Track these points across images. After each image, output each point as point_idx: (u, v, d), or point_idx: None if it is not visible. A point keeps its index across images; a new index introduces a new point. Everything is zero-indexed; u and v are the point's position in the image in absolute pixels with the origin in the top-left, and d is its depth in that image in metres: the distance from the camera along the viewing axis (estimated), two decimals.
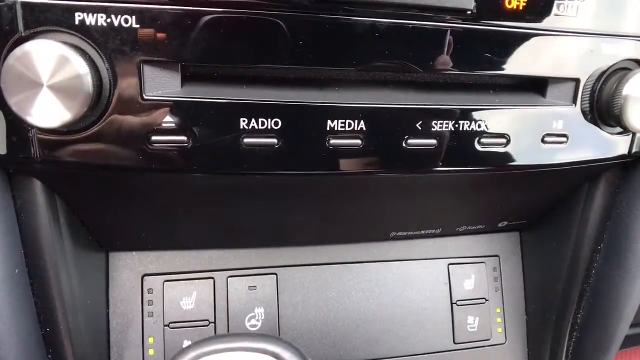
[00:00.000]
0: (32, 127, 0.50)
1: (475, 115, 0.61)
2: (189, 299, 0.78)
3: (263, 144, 0.55)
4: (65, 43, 0.47)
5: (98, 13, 0.48)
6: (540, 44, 0.60)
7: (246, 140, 0.54)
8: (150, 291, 0.78)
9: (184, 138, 0.53)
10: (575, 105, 0.65)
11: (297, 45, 0.53)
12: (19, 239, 0.59)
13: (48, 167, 0.53)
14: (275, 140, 0.55)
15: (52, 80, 0.46)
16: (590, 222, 0.80)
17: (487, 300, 0.92)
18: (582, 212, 0.81)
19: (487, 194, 0.78)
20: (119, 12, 0.49)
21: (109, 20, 0.49)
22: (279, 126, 0.55)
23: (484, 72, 0.61)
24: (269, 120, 0.54)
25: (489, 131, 0.62)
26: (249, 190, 0.65)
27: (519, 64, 0.60)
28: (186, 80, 0.53)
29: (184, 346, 0.76)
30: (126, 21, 0.49)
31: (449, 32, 0.57)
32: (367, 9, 0.54)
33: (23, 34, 0.48)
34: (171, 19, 0.50)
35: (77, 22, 0.48)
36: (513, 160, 0.64)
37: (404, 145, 0.59)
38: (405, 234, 0.84)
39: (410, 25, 0.55)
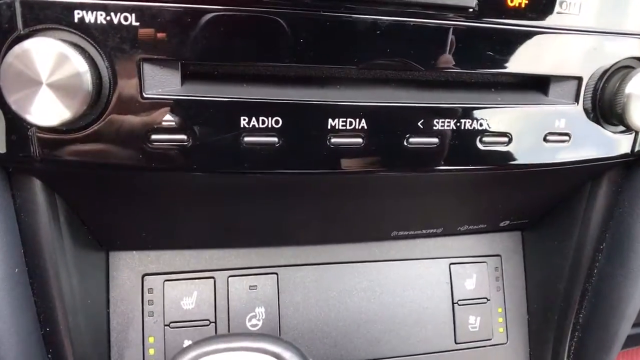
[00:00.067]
0: (31, 125, 0.50)
1: (477, 113, 0.60)
2: (189, 298, 0.78)
3: (263, 143, 0.55)
4: (64, 41, 0.47)
5: (97, 10, 0.48)
6: (542, 42, 0.60)
7: (246, 139, 0.54)
8: (150, 290, 0.78)
9: (183, 136, 0.53)
10: (578, 103, 0.64)
11: (298, 43, 0.53)
12: (19, 237, 0.59)
13: (47, 165, 0.53)
14: (275, 139, 0.55)
15: (51, 78, 0.46)
16: (593, 221, 0.80)
17: (488, 300, 0.92)
18: (584, 211, 0.81)
19: (489, 193, 0.78)
20: (118, 9, 0.48)
21: (108, 18, 0.48)
22: (280, 124, 0.55)
23: (485, 70, 0.60)
24: (270, 118, 0.54)
25: (490, 130, 0.61)
26: (249, 189, 0.65)
27: (520, 62, 0.60)
28: (186, 78, 0.53)
29: (184, 345, 0.76)
30: (125, 19, 0.49)
31: (450, 30, 0.57)
32: (368, 6, 0.54)
33: (22, 32, 0.48)
34: (171, 17, 0.50)
35: (76, 20, 0.48)
36: (515, 159, 0.64)
37: (405, 143, 0.59)
38: (406, 233, 0.84)
39: (412, 23, 0.55)
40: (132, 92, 0.51)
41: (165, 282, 0.78)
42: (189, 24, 0.50)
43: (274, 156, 0.55)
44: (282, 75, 0.57)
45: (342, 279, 0.85)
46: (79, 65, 0.46)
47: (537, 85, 0.65)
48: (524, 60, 0.60)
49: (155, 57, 0.50)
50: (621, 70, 0.64)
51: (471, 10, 0.56)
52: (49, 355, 0.64)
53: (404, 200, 0.75)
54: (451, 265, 0.90)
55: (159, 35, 0.50)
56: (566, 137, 0.65)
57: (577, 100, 0.64)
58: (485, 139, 0.61)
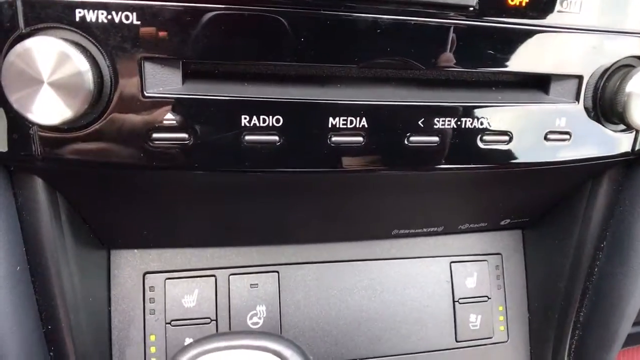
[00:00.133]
0: (33, 124, 0.50)
1: (478, 112, 0.60)
2: (190, 296, 0.78)
3: (264, 141, 0.55)
4: (66, 40, 0.47)
5: (98, 9, 0.48)
6: (543, 41, 0.60)
7: (247, 138, 0.54)
8: (151, 289, 0.78)
9: (184, 135, 0.53)
10: (578, 102, 0.64)
11: (299, 42, 0.53)
12: (20, 236, 0.59)
13: (49, 164, 0.53)
14: (276, 138, 0.55)
15: (52, 77, 0.46)
16: (593, 220, 0.80)
17: (489, 298, 0.92)
18: (584, 210, 0.81)
19: (489, 191, 0.78)
20: (119, 8, 0.48)
21: (109, 17, 0.48)
22: (280, 123, 0.55)
23: (486, 69, 0.60)
24: (270, 117, 0.54)
25: (491, 128, 0.61)
26: (250, 187, 0.65)
27: (521, 60, 0.60)
28: (187, 77, 0.53)
29: (186, 344, 0.76)
30: (127, 17, 0.49)
31: (451, 29, 0.57)
32: (369, 5, 0.54)
33: (23, 31, 0.48)
34: (172, 16, 0.50)
35: (77, 19, 0.48)
36: (515, 158, 0.64)
37: (406, 142, 0.59)
38: (407, 231, 0.84)
39: (412, 22, 0.55)
40: (133, 91, 0.51)
41: (167, 280, 0.78)
42: (189, 22, 0.50)
43: (275, 155, 0.56)
44: (283, 74, 0.57)
45: (343, 277, 0.85)
46: (80, 64, 0.46)
47: (537, 84, 0.65)
48: (524, 59, 0.60)
49: (157, 55, 0.51)
50: (622, 69, 0.64)
51: (472, 9, 0.56)
52: (51, 353, 0.64)
53: (404, 199, 0.75)
54: (452, 264, 0.90)
55: (160, 34, 0.50)
56: (567, 136, 0.65)
57: (577, 99, 0.64)
58: (485, 137, 0.61)
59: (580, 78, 0.64)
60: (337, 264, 0.85)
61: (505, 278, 0.93)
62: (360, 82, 0.59)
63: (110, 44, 0.49)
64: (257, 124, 0.54)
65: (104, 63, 0.50)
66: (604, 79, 0.64)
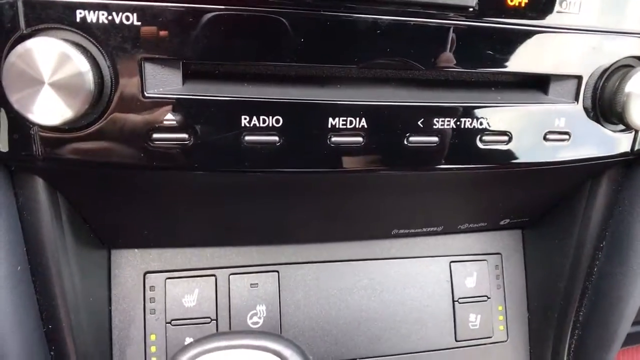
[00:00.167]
0: (34, 124, 0.50)
1: (477, 112, 0.61)
2: (190, 296, 0.79)
3: (264, 142, 0.55)
4: (67, 40, 0.47)
5: (99, 10, 0.48)
6: (542, 41, 0.60)
7: (247, 138, 0.54)
8: (152, 288, 0.78)
9: (185, 135, 0.53)
10: (577, 102, 0.64)
11: (299, 43, 0.53)
12: (21, 236, 0.59)
13: (49, 164, 0.53)
14: (276, 138, 0.55)
15: (53, 78, 0.46)
16: (593, 220, 0.80)
17: (488, 298, 0.92)
18: (584, 210, 0.81)
19: (489, 191, 0.78)
20: (120, 9, 0.49)
21: (110, 18, 0.49)
22: (280, 123, 0.55)
23: (485, 70, 0.60)
24: (270, 117, 0.54)
25: (490, 128, 0.61)
26: (250, 187, 0.65)
27: (520, 61, 0.60)
28: (187, 77, 0.53)
29: (186, 343, 0.76)
30: (127, 18, 0.49)
31: (450, 30, 0.57)
32: (369, 5, 0.54)
33: (24, 32, 0.48)
34: (172, 16, 0.50)
35: (78, 20, 0.48)
36: (515, 158, 0.64)
37: (406, 142, 0.59)
38: (406, 231, 0.85)
39: (412, 23, 0.55)
40: (134, 92, 0.51)
41: (167, 280, 0.78)
42: (190, 23, 0.50)
43: (275, 155, 0.56)
44: (283, 74, 0.57)
45: (343, 277, 0.85)
46: (80, 64, 0.47)
47: (537, 84, 0.65)
48: (524, 60, 0.60)
49: (157, 56, 0.51)
50: (621, 69, 0.64)
51: (471, 9, 0.56)
52: (52, 353, 0.64)
53: (404, 199, 0.75)
54: (451, 264, 0.90)
55: (161, 34, 0.50)
56: (566, 136, 0.65)
57: (577, 99, 0.64)
58: (485, 137, 0.62)
59: (579, 78, 0.64)
60: (337, 264, 0.85)
61: (505, 278, 0.94)
62: (360, 82, 0.59)
63: (111, 44, 0.49)
64: (257, 125, 0.54)
65: (104, 63, 0.50)
66: (603, 79, 0.64)
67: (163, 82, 0.52)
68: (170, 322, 0.78)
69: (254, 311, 0.81)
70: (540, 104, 0.63)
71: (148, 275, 0.78)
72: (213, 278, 0.80)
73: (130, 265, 0.78)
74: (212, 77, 0.55)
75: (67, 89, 0.47)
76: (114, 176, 0.58)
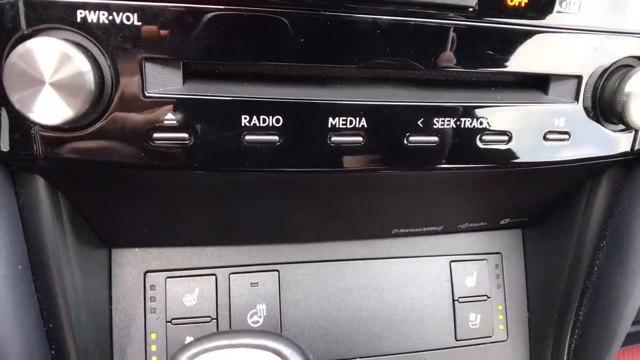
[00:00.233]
0: (34, 123, 0.50)
1: (477, 112, 0.61)
2: (191, 295, 0.79)
3: (264, 141, 0.55)
4: (67, 40, 0.47)
5: (100, 10, 0.48)
6: (542, 41, 0.60)
7: (247, 138, 0.54)
8: (152, 287, 0.78)
9: (185, 135, 0.53)
10: (578, 102, 0.64)
11: (299, 42, 0.53)
12: (22, 235, 0.60)
13: (50, 163, 0.53)
14: (276, 138, 0.55)
15: (54, 78, 0.46)
16: (592, 219, 0.80)
17: (488, 297, 0.92)
18: (584, 209, 0.81)
19: (489, 191, 0.78)
20: (120, 9, 0.49)
21: (110, 18, 0.49)
22: (280, 123, 0.55)
23: (485, 69, 0.60)
24: (270, 117, 0.55)
25: (490, 128, 0.61)
26: (250, 187, 0.65)
27: (520, 61, 0.60)
28: (187, 77, 0.53)
29: (186, 342, 0.76)
30: (128, 18, 0.49)
31: (450, 29, 0.57)
32: (369, 5, 0.54)
33: (25, 32, 0.48)
34: (172, 16, 0.50)
35: (79, 20, 0.48)
36: (515, 158, 0.64)
37: (405, 142, 0.59)
38: (406, 230, 0.85)
39: (412, 23, 0.55)
40: (134, 91, 0.51)
41: (167, 279, 0.79)
42: (190, 23, 0.50)
43: (275, 155, 0.56)
44: (283, 74, 0.57)
45: (343, 276, 0.85)
46: (81, 64, 0.47)
47: (537, 84, 0.65)
48: (524, 59, 0.60)
49: (157, 56, 0.51)
50: (621, 69, 0.64)
51: (471, 9, 0.56)
52: (52, 352, 0.65)
53: (404, 198, 0.76)
54: (452, 263, 0.90)
55: (161, 34, 0.50)
56: (566, 136, 0.65)
57: (577, 99, 0.64)
58: (485, 137, 0.62)
59: (579, 78, 0.64)
60: (337, 263, 0.85)
61: (505, 277, 0.94)
62: (360, 82, 0.59)
63: (111, 44, 0.49)
64: (257, 124, 0.54)
65: (105, 63, 0.50)
66: (603, 79, 0.64)
67: (163, 81, 0.52)
68: (170, 321, 0.78)
69: (254, 310, 0.81)
70: (540, 103, 0.63)
71: (148, 274, 0.78)
72: (213, 277, 0.80)
73: (131, 264, 0.78)
74: (212, 77, 0.55)
75: (68, 88, 0.47)
76: (114, 175, 0.59)
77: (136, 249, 0.78)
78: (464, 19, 0.57)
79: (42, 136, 0.51)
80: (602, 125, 0.67)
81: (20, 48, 0.46)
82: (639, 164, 0.74)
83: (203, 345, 0.56)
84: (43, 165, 0.54)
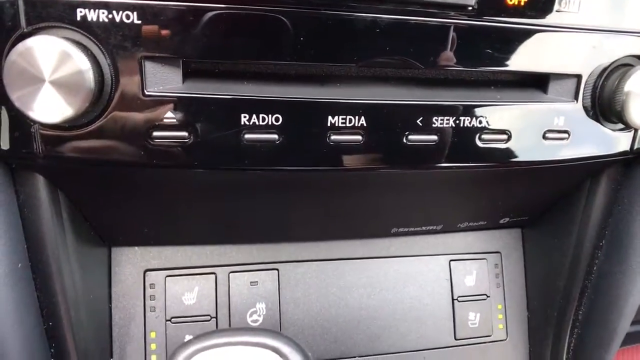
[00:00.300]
0: (34, 122, 0.50)
1: (476, 111, 0.61)
2: (190, 294, 0.79)
3: (264, 140, 0.55)
4: (67, 39, 0.47)
5: (99, 9, 0.48)
6: (542, 40, 0.60)
7: (247, 136, 0.55)
8: (152, 286, 0.78)
9: (185, 133, 0.53)
10: (577, 101, 0.64)
11: (299, 41, 0.53)
12: (22, 233, 0.60)
13: (50, 162, 0.53)
14: (275, 136, 0.55)
15: (53, 76, 0.46)
16: (592, 219, 0.80)
17: (488, 296, 0.92)
18: (583, 209, 0.81)
19: (488, 190, 0.78)
20: (120, 7, 0.49)
21: (110, 16, 0.49)
22: (280, 122, 0.55)
23: (484, 68, 0.60)
24: (270, 115, 0.55)
25: (489, 127, 0.62)
26: (250, 185, 0.65)
27: (520, 60, 0.60)
28: (187, 76, 0.54)
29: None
30: (127, 17, 0.49)
31: (450, 28, 0.57)
32: (369, 4, 0.54)
33: (25, 30, 0.48)
34: (172, 15, 0.50)
35: (78, 18, 0.48)
36: (514, 156, 0.64)
37: (405, 141, 0.59)
38: (406, 229, 0.85)
39: (411, 21, 0.55)
40: (134, 90, 0.51)
41: (167, 278, 0.79)
42: (190, 22, 0.50)
43: (274, 153, 0.56)
44: (283, 73, 0.57)
45: (343, 275, 0.85)
46: (81, 63, 0.47)
47: (536, 83, 0.65)
48: (523, 58, 0.60)
49: (157, 54, 0.51)
50: (620, 68, 0.64)
51: (470, 8, 0.56)
52: (52, 350, 0.65)
53: (403, 197, 0.76)
54: (451, 262, 0.90)
55: (161, 33, 0.50)
56: (565, 135, 0.65)
57: (576, 98, 0.64)
58: (484, 136, 0.62)
59: (578, 77, 0.64)
60: (337, 262, 0.85)
61: (505, 276, 0.94)
62: (360, 81, 0.59)
63: (111, 43, 0.49)
64: (257, 123, 0.54)
65: (104, 62, 0.50)
66: (603, 78, 0.64)
67: (163, 80, 0.52)
68: (170, 320, 0.78)
69: (254, 309, 0.81)
70: (540, 102, 0.63)
71: (148, 273, 0.78)
72: (213, 276, 0.80)
73: (131, 263, 0.78)
74: (212, 76, 0.55)
75: (68, 87, 0.47)
76: (114, 174, 0.59)
77: (136, 248, 0.78)
78: (464, 18, 0.57)
79: (42, 135, 0.51)
80: (602, 124, 0.67)
81: (20, 46, 0.46)
82: (638, 163, 0.74)
83: (202, 343, 0.56)
84: (43, 163, 0.54)
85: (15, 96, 0.47)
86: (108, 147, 0.53)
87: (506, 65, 0.60)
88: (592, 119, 0.66)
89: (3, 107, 0.50)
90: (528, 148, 0.64)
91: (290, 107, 0.55)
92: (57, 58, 0.46)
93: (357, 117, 0.57)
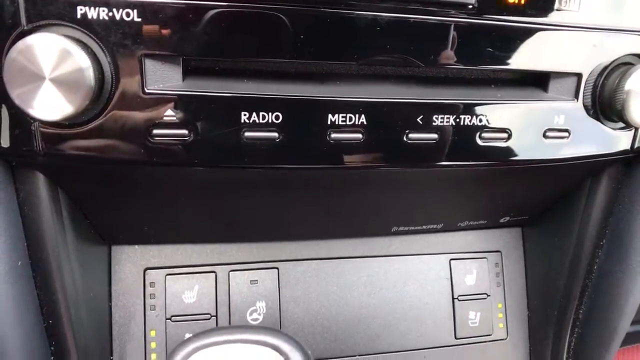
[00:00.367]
0: (34, 119, 0.50)
1: (476, 109, 0.61)
2: (190, 292, 0.79)
3: (264, 138, 0.55)
4: (67, 36, 0.47)
5: (100, 6, 0.48)
6: (542, 39, 0.60)
7: (247, 134, 0.55)
8: (152, 284, 0.78)
9: (185, 131, 0.53)
10: (577, 100, 0.64)
11: (299, 39, 0.53)
12: (22, 231, 0.60)
13: (50, 159, 0.53)
14: (276, 134, 0.55)
15: (54, 73, 0.47)
16: (592, 218, 0.80)
17: (488, 296, 0.92)
18: (584, 208, 0.81)
19: (489, 188, 0.78)
20: (120, 5, 0.49)
21: (110, 14, 0.49)
22: (280, 120, 0.55)
23: (485, 67, 0.60)
24: (270, 113, 0.55)
25: (490, 126, 0.61)
26: (250, 183, 0.65)
27: (520, 58, 0.60)
28: (187, 73, 0.54)
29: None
30: (128, 15, 0.49)
31: (450, 27, 0.57)
32: (369, 2, 0.54)
33: (25, 27, 0.48)
34: (172, 13, 0.50)
35: (79, 16, 0.48)
36: (514, 155, 0.64)
37: (405, 139, 0.59)
38: (406, 228, 0.85)
39: (411, 20, 0.55)
40: (134, 88, 0.51)
41: (167, 276, 0.79)
42: (190, 20, 0.50)
43: (275, 151, 0.56)
44: (283, 71, 0.57)
45: (343, 274, 0.85)
46: (81, 60, 0.47)
47: (536, 81, 0.65)
48: (523, 57, 0.60)
49: (157, 52, 0.51)
50: (621, 66, 0.64)
51: (471, 6, 0.56)
52: (52, 348, 0.65)
53: (404, 196, 0.76)
54: (451, 261, 0.90)
55: (161, 31, 0.50)
56: (566, 134, 0.65)
57: (576, 96, 0.64)
58: (484, 135, 0.62)
59: (579, 76, 0.64)
60: (337, 261, 0.85)
61: (505, 275, 0.94)
62: (360, 79, 0.59)
63: (111, 40, 0.49)
64: (257, 121, 0.54)
65: (104, 60, 0.50)
66: (603, 76, 0.64)
67: (163, 78, 0.52)
68: (170, 318, 0.78)
69: (254, 307, 0.81)
70: (540, 101, 0.63)
71: (148, 271, 0.78)
72: (213, 274, 0.80)
73: (131, 261, 0.78)
74: (212, 74, 0.55)
75: (68, 84, 0.47)
76: (114, 172, 0.59)
77: (136, 246, 0.78)
78: (464, 17, 0.57)
79: (42, 132, 0.51)
80: (602, 123, 0.67)
81: (20, 44, 0.46)
82: (638, 162, 0.74)
83: (201, 340, 0.56)
84: (43, 161, 0.54)
85: (15, 94, 0.47)
86: (108, 145, 0.53)
87: (506, 64, 0.60)
88: (593, 117, 0.66)
89: (3, 105, 0.50)
90: (528, 147, 0.64)
91: (291, 105, 0.55)
92: (57, 56, 0.46)
93: (357, 115, 0.57)
